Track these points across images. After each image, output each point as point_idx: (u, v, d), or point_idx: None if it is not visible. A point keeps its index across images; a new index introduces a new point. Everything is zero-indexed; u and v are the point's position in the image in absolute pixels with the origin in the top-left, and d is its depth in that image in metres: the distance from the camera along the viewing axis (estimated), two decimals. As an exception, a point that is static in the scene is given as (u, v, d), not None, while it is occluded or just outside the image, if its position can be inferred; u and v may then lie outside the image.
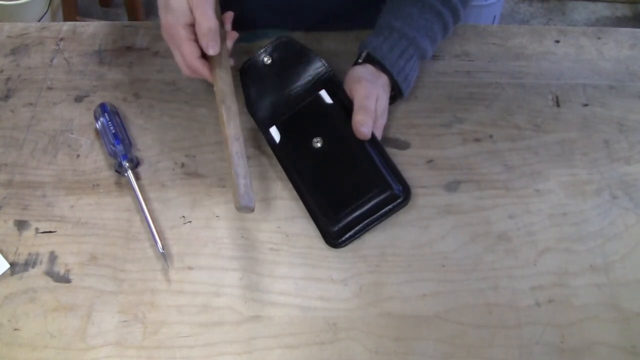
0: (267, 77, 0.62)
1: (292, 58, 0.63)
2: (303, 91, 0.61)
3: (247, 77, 0.63)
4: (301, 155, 0.58)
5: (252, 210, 0.50)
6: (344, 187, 0.55)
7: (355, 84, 0.58)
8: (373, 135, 0.57)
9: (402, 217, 0.57)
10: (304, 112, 0.60)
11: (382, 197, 0.54)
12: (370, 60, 0.60)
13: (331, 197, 0.55)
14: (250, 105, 0.62)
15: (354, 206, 0.54)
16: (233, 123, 0.54)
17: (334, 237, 0.55)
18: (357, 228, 0.55)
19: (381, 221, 0.56)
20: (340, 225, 0.54)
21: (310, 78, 0.62)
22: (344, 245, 0.55)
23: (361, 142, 0.56)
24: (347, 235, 0.55)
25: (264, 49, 0.64)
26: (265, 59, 0.63)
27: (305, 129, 0.59)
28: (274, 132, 0.60)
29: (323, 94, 0.60)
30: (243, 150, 0.53)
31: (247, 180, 0.51)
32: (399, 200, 0.55)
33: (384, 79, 0.60)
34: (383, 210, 0.55)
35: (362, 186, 0.55)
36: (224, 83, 0.56)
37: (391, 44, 0.60)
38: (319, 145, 0.57)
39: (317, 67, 0.62)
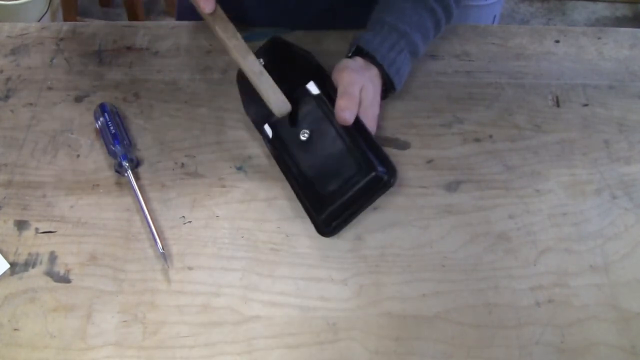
0: None
1: (282, 57, 0.63)
2: (293, 86, 0.61)
3: (243, 81, 0.62)
4: (291, 148, 0.58)
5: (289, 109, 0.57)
6: (329, 175, 0.55)
7: (340, 72, 0.58)
8: (357, 120, 0.56)
9: (402, 217, 0.57)
10: (293, 107, 0.60)
11: (366, 179, 0.53)
12: (361, 53, 0.60)
13: (318, 186, 0.55)
14: (247, 107, 0.63)
15: (339, 192, 0.54)
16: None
17: (323, 225, 0.55)
18: (345, 214, 0.54)
19: (370, 204, 0.55)
20: (327, 212, 0.54)
21: (299, 73, 0.61)
22: (335, 233, 0.55)
23: (344, 128, 0.56)
24: (335, 222, 0.54)
25: (255, 52, 0.63)
26: (260, 61, 0.63)
27: (293, 122, 0.59)
28: (267, 129, 0.60)
29: (310, 85, 0.59)
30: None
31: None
32: (383, 182, 0.54)
33: (373, 72, 0.60)
34: (369, 194, 0.54)
35: (346, 171, 0.54)
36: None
37: (382, 37, 0.60)
38: (305, 136, 0.57)
39: (305, 62, 0.62)
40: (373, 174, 0.53)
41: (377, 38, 0.60)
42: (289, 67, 0.62)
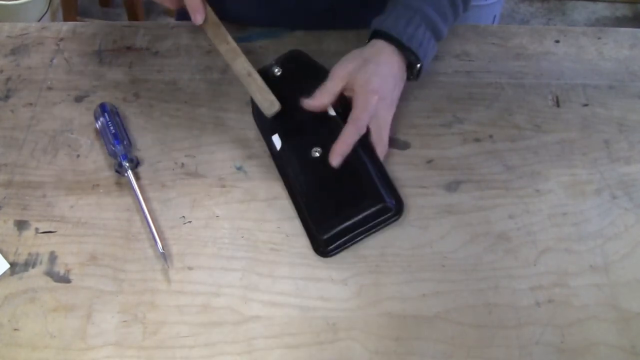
0: (275, 87, 0.61)
1: (301, 70, 0.64)
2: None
3: None
4: (299, 163, 0.58)
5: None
6: (337, 196, 0.55)
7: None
8: (371, 148, 0.57)
9: (402, 217, 0.57)
10: (307, 122, 0.60)
11: (374, 209, 0.54)
12: (378, 35, 0.60)
13: (323, 205, 0.55)
14: (256, 112, 0.62)
15: (344, 216, 0.54)
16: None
17: (322, 246, 0.54)
18: (346, 238, 0.54)
19: (371, 233, 0.55)
20: (330, 233, 0.54)
21: (316, 87, 0.61)
22: (332, 255, 0.54)
23: (358, 154, 0.56)
24: (335, 244, 0.54)
25: (275, 59, 0.64)
26: (276, 70, 0.63)
27: (306, 139, 0.59)
28: (276, 139, 0.59)
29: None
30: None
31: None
32: (390, 214, 0.55)
33: (386, 51, 0.59)
34: (374, 222, 0.55)
35: (355, 197, 0.55)
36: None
37: (396, 15, 0.60)
38: (317, 154, 0.57)
39: (323, 77, 0.61)
40: (381, 204, 0.54)
41: (391, 17, 0.60)
42: (307, 81, 0.62)
